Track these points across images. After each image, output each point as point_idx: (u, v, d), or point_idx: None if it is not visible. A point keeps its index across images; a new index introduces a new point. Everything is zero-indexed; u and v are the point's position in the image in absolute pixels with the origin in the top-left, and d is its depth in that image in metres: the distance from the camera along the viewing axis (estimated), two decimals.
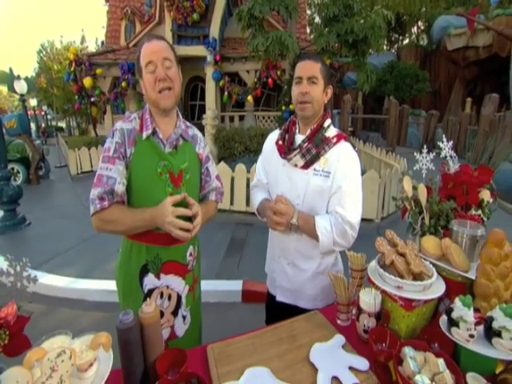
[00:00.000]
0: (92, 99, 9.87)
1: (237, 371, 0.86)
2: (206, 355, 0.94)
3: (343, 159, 1.21)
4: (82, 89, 9.78)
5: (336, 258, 1.35)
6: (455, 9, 15.16)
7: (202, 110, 10.01)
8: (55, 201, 6.41)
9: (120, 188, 1.06)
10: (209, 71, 9.20)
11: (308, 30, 12.09)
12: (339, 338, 0.98)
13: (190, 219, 1.09)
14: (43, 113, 23.12)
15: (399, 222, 1.54)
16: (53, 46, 20.17)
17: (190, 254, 1.23)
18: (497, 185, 1.25)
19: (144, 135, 1.10)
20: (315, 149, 1.22)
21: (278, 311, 1.32)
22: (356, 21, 6.31)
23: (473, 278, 0.96)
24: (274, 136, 1.41)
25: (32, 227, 4.72)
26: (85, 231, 4.33)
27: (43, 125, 21.68)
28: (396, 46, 20.58)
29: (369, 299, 0.96)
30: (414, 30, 20.56)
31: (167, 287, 1.17)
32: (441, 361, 0.74)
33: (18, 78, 9.36)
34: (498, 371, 0.80)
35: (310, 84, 1.19)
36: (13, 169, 7.25)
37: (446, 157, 1.29)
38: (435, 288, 0.93)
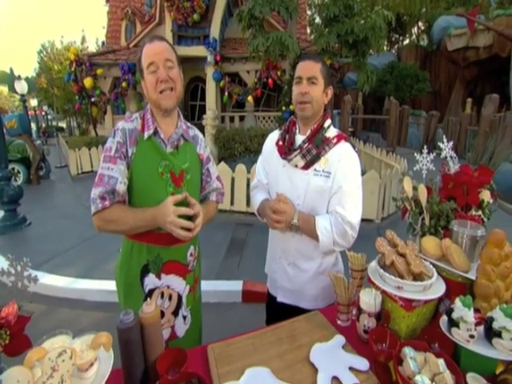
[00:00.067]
0: (92, 99, 9.88)
1: (237, 371, 0.86)
2: (207, 355, 0.94)
3: (344, 159, 1.21)
4: (82, 89, 9.79)
5: (336, 258, 1.36)
6: (455, 9, 15.17)
7: (203, 110, 10.01)
8: (55, 201, 6.42)
9: (121, 187, 1.06)
10: (209, 71, 9.20)
11: (308, 31, 12.11)
12: (339, 339, 0.98)
13: (190, 219, 1.09)
14: (44, 113, 23.14)
15: (399, 223, 1.54)
16: (53, 47, 20.21)
17: (191, 254, 1.23)
18: (497, 185, 1.25)
19: (145, 135, 1.10)
20: (316, 149, 1.22)
21: (279, 312, 1.32)
22: (356, 21, 6.31)
23: (473, 278, 0.96)
24: (273, 136, 1.41)
25: (32, 227, 4.72)
26: (85, 231, 4.33)
27: (44, 125, 21.69)
28: (396, 46, 20.59)
29: (369, 299, 0.96)
30: (415, 30, 20.57)
31: (168, 287, 1.17)
32: (441, 361, 0.74)
33: (19, 78, 9.37)
34: (498, 372, 0.80)
35: (310, 84, 1.19)
36: (13, 169, 7.26)
37: (446, 157, 1.29)
38: (435, 288, 0.93)
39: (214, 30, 8.94)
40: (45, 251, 3.81)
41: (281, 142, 1.32)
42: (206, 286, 2.40)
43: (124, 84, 9.61)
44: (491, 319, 0.80)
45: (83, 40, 21.45)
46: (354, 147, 1.26)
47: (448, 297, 1.00)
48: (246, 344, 0.98)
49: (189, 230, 1.06)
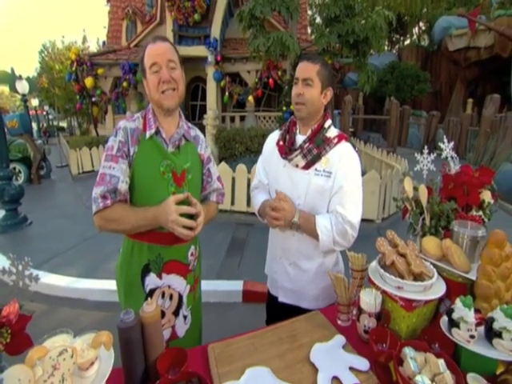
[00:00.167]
0: (93, 99, 9.88)
1: (237, 371, 0.86)
2: (207, 355, 0.94)
3: (344, 159, 1.21)
4: (83, 89, 9.80)
5: (337, 258, 1.36)
6: (456, 9, 15.14)
7: (203, 110, 10.01)
8: (56, 200, 6.43)
9: (123, 187, 1.06)
10: (210, 71, 9.20)
11: (309, 31, 12.09)
12: (340, 339, 0.98)
13: (192, 218, 1.09)
14: (45, 113, 23.15)
15: (400, 223, 1.54)
16: (54, 46, 20.21)
17: (192, 254, 1.24)
18: (498, 186, 1.25)
19: (147, 134, 1.10)
20: (316, 149, 1.22)
21: (280, 312, 1.32)
22: (357, 21, 6.32)
23: (473, 278, 0.96)
24: (274, 136, 1.41)
25: (33, 227, 4.73)
26: (85, 231, 4.34)
27: (45, 125, 21.69)
28: (397, 46, 20.54)
29: (369, 299, 0.96)
30: (415, 30, 20.55)
31: (169, 287, 1.17)
32: (441, 361, 0.74)
33: (20, 78, 9.40)
34: (498, 372, 0.80)
35: (305, 86, 1.19)
36: (14, 168, 7.27)
37: (446, 157, 1.29)
38: (436, 289, 0.94)
39: (215, 30, 8.94)
40: (45, 250, 3.82)
41: (281, 142, 1.32)
42: (207, 285, 2.41)
43: (125, 84, 9.61)
44: (492, 320, 0.80)
45: (84, 40, 21.45)
46: (354, 147, 1.26)
47: (448, 297, 1.00)
48: (246, 344, 0.98)
49: (190, 228, 1.06)
